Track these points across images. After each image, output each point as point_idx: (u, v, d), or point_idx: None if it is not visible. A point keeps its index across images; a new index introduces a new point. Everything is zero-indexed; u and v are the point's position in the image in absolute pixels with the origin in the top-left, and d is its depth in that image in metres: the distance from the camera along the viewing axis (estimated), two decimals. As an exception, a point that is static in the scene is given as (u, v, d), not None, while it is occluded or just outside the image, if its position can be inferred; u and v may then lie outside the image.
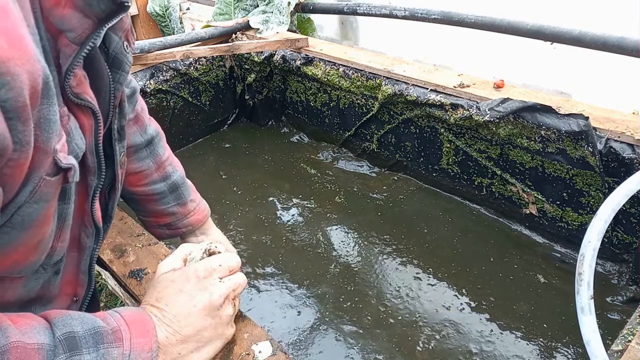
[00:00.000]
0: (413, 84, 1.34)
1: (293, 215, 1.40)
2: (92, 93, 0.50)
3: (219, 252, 0.65)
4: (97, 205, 0.57)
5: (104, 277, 1.50)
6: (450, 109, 1.26)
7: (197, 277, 0.60)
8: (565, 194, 1.17)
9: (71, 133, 0.48)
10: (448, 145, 1.35)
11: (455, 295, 1.10)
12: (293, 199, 1.46)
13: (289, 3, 1.77)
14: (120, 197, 0.90)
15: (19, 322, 0.46)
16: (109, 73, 0.57)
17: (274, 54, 1.69)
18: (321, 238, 1.30)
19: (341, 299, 1.10)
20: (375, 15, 1.58)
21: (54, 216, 0.49)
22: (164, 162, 0.90)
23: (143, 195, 0.89)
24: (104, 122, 0.57)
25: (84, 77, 0.48)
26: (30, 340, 0.45)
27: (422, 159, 1.45)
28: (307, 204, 1.44)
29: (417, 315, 1.05)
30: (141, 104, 0.88)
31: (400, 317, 1.05)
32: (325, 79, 1.56)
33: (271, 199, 1.47)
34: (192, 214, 0.92)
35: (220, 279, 0.61)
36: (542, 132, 1.12)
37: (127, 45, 0.60)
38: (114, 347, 0.50)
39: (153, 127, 0.91)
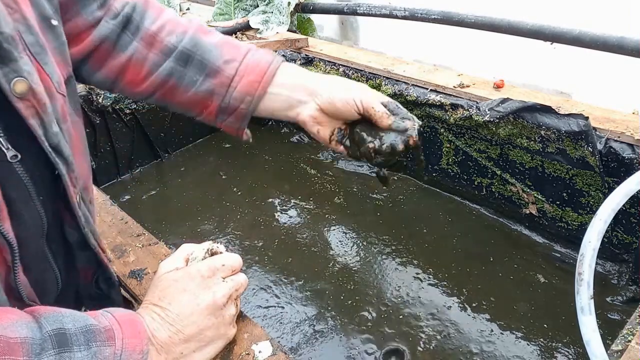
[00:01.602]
0: (413, 84, 1.34)
1: (293, 215, 1.40)
2: None
3: (221, 252, 0.65)
4: None
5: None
6: (450, 109, 1.26)
7: (201, 277, 0.60)
8: (565, 194, 1.17)
9: None
10: (448, 145, 1.35)
11: (456, 295, 1.10)
12: (293, 200, 1.46)
13: (289, 3, 1.77)
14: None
15: (0, 316, 0.45)
16: None
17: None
18: (321, 238, 1.30)
19: (341, 297, 1.11)
20: (375, 15, 1.58)
21: None
22: (155, 33, 0.68)
23: (159, 88, 0.69)
24: None
25: None
26: (13, 334, 0.44)
27: (422, 159, 1.45)
28: (306, 204, 1.44)
29: (418, 315, 1.06)
30: None
31: (400, 317, 1.05)
32: (325, 79, 1.56)
33: (271, 199, 1.47)
34: (238, 78, 0.67)
35: (223, 278, 0.61)
36: (542, 132, 1.12)
37: None
38: (106, 345, 0.49)
39: (130, 3, 0.70)
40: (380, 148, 0.70)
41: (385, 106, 0.70)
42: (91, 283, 0.65)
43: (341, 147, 0.74)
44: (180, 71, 0.68)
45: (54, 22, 0.57)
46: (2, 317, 0.45)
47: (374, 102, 0.69)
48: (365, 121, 0.72)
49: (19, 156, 0.49)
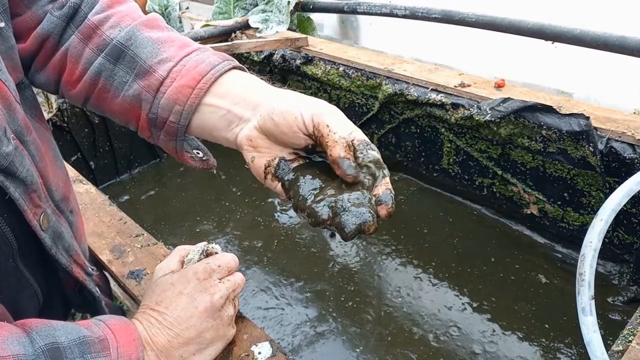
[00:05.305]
0: (413, 84, 1.34)
1: (292, 215, 1.40)
2: None
3: (216, 252, 0.64)
4: None
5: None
6: (451, 109, 1.25)
7: (198, 279, 0.59)
8: (566, 194, 1.17)
9: None
10: (449, 145, 1.35)
11: (457, 296, 1.10)
12: (293, 199, 1.46)
13: (288, 2, 1.76)
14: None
15: None
16: None
17: (274, 54, 1.69)
18: (321, 238, 1.30)
19: (342, 299, 1.10)
20: (376, 14, 1.57)
21: None
22: (96, 25, 0.55)
23: (91, 91, 0.56)
24: None
25: None
26: (4, 352, 0.42)
27: (422, 159, 1.45)
28: (307, 204, 1.44)
29: (419, 316, 1.05)
30: None
31: (402, 317, 1.05)
32: (325, 79, 1.56)
33: (270, 199, 1.47)
34: (169, 81, 0.51)
35: (220, 279, 0.61)
36: (543, 132, 1.11)
37: None
38: (101, 356, 0.48)
39: None
40: (316, 214, 0.44)
41: (350, 143, 0.45)
42: (74, 292, 0.63)
43: (277, 185, 0.50)
44: (109, 69, 0.54)
45: (1, 24, 0.49)
46: None
47: (332, 120, 0.46)
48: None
49: None
